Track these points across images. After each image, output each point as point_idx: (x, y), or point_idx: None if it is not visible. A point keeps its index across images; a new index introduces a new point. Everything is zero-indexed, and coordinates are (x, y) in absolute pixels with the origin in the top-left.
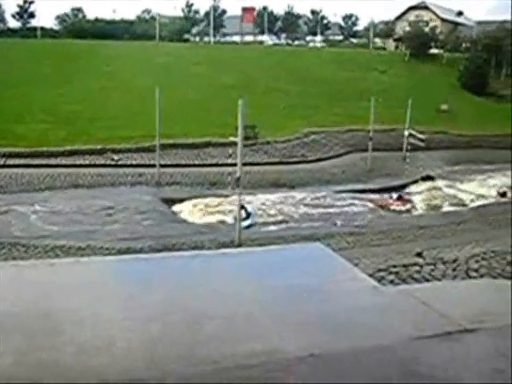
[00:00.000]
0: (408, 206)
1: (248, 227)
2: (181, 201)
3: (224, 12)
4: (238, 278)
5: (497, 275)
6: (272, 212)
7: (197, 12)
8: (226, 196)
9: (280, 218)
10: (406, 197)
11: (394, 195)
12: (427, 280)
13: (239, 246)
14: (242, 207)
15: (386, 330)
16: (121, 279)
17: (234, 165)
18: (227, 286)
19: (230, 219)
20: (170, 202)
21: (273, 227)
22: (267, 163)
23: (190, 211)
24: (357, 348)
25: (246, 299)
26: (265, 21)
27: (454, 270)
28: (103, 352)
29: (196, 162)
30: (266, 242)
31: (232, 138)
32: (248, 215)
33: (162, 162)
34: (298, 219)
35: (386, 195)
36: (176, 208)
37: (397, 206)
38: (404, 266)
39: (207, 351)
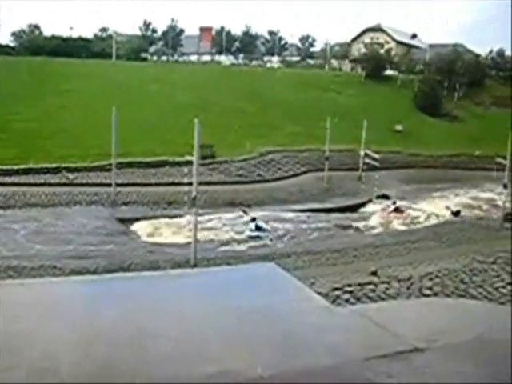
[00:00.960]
0: (407, 218)
1: (255, 237)
2: (137, 220)
3: (182, 31)
4: (191, 299)
5: (450, 293)
6: (227, 231)
7: (154, 31)
8: (182, 216)
9: (237, 237)
10: (402, 208)
11: (392, 207)
12: (382, 299)
13: (195, 266)
14: (254, 220)
15: (338, 350)
16: (72, 300)
17: (191, 184)
18: (180, 307)
19: (185, 239)
20: (126, 221)
21: (228, 247)
22: (224, 182)
23: (146, 231)
24: (309, 369)
25: (199, 320)
26: (222, 41)
27: (408, 288)
28: (50, 373)
29: (152, 181)
30: (222, 261)
31: (188, 157)
32: (258, 228)
33: (119, 181)
34: (256, 238)
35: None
36: (132, 228)
37: (396, 220)
38: (359, 284)
39: (155, 372)
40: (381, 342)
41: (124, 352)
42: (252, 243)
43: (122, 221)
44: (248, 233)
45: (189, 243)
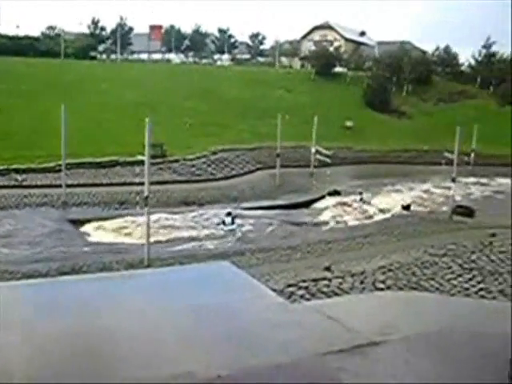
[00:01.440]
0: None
1: (232, 230)
2: (88, 221)
3: (131, 29)
4: (146, 300)
5: (402, 286)
6: (181, 229)
7: (103, 29)
8: (134, 215)
9: (190, 235)
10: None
11: (358, 198)
12: (336, 294)
13: (148, 266)
14: (229, 214)
15: (294, 346)
16: (23, 304)
17: (142, 184)
18: (135, 308)
19: (137, 239)
20: (78, 222)
21: (182, 246)
22: (176, 181)
23: (97, 232)
24: (266, 366)
25: (155, 320)
26: (172, 39)
27: (362, 282)
28: (2, 379)
29: (103, 182)
30: (176, 261)
31: (139, 157)
32: (233, 222)
33: (69, 182)
34: (209, 236)
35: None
36: (83, 229)
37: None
38: (313, 280)
39: (111, 375)
40: (337, 337)
41: (79, 354)
42: (206, 241)
43: (74, 222)
44: (222, 226)
45: (142, 244)
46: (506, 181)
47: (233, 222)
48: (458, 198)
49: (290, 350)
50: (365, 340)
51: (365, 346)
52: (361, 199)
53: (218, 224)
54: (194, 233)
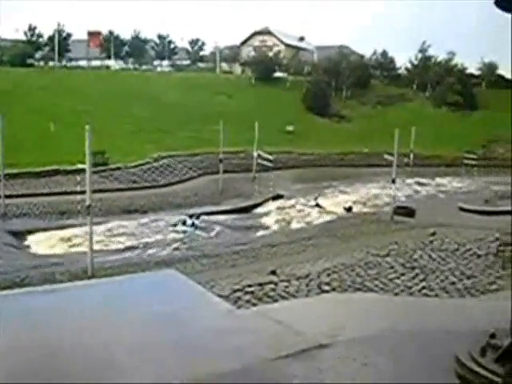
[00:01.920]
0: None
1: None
2: (29, 233)
3: (69, 36)
4: (91, 311)
5: (347, 287)
6: (125, 238)
7: (40, 36)
8: (76, 226)
9: (134, 243)
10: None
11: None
12: (283, 297)
13: (92, 276)
14: (191, 216)
15: (243, 352)
16: None
17: (84, 192)
18: (80, 320)
19: (81, 249)
20: (18, 234)
21: (127, 254)
22: (118, 189)
23: (39, 243)
24: (216, 373)
25: (101, 332)
26: (111, 45)
27: (308, 285)
28: None
29: (44, 191)
30: (120, 270)
31: (80, 165)
32: (193, 224)
33: (8, 193)
34: (153, 244)
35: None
36: (25, 241)
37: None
38: (259, 284)
39: None
40: (285, 341)
41: (25, 370)
42: (149, 250)
43: (14, 234)
44: (183, 227)
45: (85, 253)
46: (444, 180)
47: (193, 225)
48: (399, 198)
49: (240, 357)
50: (314, 343)
51: (314, 349)
52: (317, 204)
53: (175, 225)
54: (136, 241)
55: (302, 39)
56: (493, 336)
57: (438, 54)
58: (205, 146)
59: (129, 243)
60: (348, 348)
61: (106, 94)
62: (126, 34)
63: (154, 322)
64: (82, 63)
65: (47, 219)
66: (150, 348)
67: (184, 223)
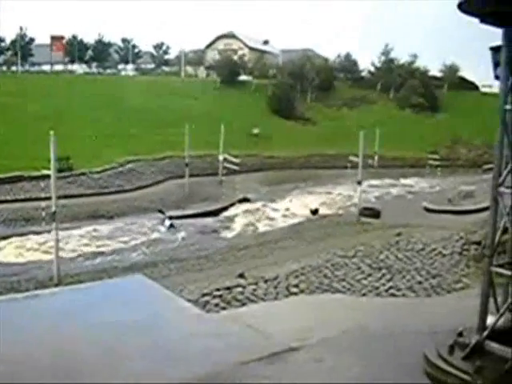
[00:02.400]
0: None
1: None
2: None
3: (32, 40)
4: (59, 319)
5: (315, 288)
6: (91, 244)
7: (2, 40)
8: (41, 232)
9: (101, 249)
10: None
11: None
12: (251, 300)
13: (58, 283)
14: (170, 218)
15: (214, 356)
16: None
17: (49, 198)
18: (48, 329)
19: (46, 256)
20: None
21: (93, 260)
22: (84, 195)
23: (4, 250)
24: (188, 377)
25: (71, 339)
26: (75, 49)
27: (276, 287)
28: None
29: (8, 198)
30: (87, 277)
31: (45, 171)
32: (172, 226)
33: None
34: (119, 250)
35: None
36: None
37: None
38: (227, 288)
39: None
40: (256, 344)
41: None
42: (116, 256)
43: None
44: (163, 228)
45: (51, 260)
46: (409, 181)
47: (171, 226)
48: (365, 199)
49: (212, 361)
50: (284, 346)
51: (285, 352)
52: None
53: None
54: (103, 247)
55: (266, 43)
56: (460, 334)
57: (401, 56)
58: (171, 149)
59: (96, 249)
60: (318, 350)
61: (70, 98)
62: (89, 38)
63: (125, 327)
64: (46, 68)
65: (12, 226)
66: (123, 353)
67: (163, 223)
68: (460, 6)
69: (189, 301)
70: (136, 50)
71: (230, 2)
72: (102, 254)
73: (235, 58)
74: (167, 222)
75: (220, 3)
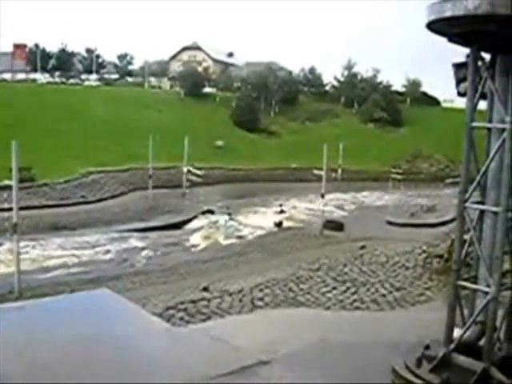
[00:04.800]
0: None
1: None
2: None
3: None
4: (22, 334)
5: (280, 302)
6: (53, 256)
7: None
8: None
9: (63, 261)
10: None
11: (278, 209)
12: (216, 313)
13: (19, 296)
14: (229, 214)
15: (184, 371)
16: None
17: (10, 209)
18: (13, 343)
19: (5, 269)
20: None
21: (54, 272)
22: (46, 206)
23: None
24: None
25: (35, 355)
26: (38, 58)
27: (241, 300)
28: None
29: None
30: (49, 289)
31: (7, 182)
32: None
33: None
34: (82, 262)
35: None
36: None
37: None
38: (192, 301)
39: None
40: (225, 358)
41: None
42: (79, 268)
43: None
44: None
45: (11, 273)
46: (371, 194)
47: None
48: (328, 212)
49: (182, 375)
50: (254, 360)
51: (255, 365)
52: (281, 211)
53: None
54: (66, 258)
55: (231, 55)
56: (427, 347)
57: (364, 71)
58: (134, 161)
59: (58, 261)
60: (287, 363)
61: (33, 107)
62: (52, 47)
63: (91, 342)
64: (7, 76)
65: None
66: (91, 368)
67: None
68: (429, 26)
69: (153, 314)
70: (100, 60)
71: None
72: (63, 266)
73: (199, 69)
74: (226, 217)
75: (185, 14)
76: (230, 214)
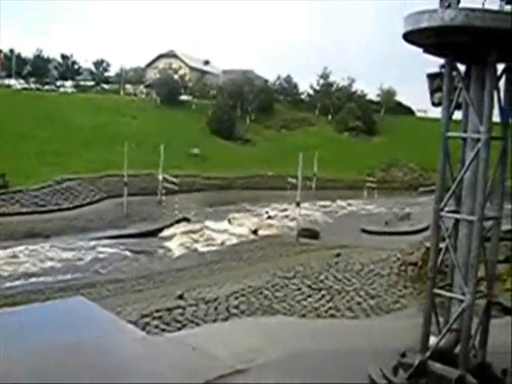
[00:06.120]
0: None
1: None
2: None
3: None
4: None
5: (255, 310)
6: (26, 263)
7: None
8: None
9: (36, 269)
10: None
11: (265, 215)
12: (191, 321)
13: None
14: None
15: (160, 380)
16: None
17: None
18: None
19: None
20: None
21: (27, 280)
22: (20, 213)
23: None
24: None
25: (10, 364)
26: (13, 63)
27: (216, 308)
28: None
29: None
30: (23, 298)
31: None
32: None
33: None
34: (56, 270)
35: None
36: None
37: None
38: (167, 309)
39: None
40: (202, 367)
41: None
42: (52, 276)
43: None
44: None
45: None
46: (346, 203)
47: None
48: (304, 221)
49: None
50: (230, 369)
51: (231, 374)
52: (269, 217)
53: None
54: (39, 265)
55: (207, 63)
56: (403, 355)
57: (339, 80)
58: (109, 168)
59: (32, 268)
60: (262, 372)
61: (6, 113)
62: (27, 53)
63: (66, 351)
64: None
65: None
66: (62, 378)
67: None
68: (405, 37)
69: (128, 322)
70: (76, 67)
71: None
72: (36, 274)
73: (176, 77)
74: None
75: (162, 22)
76: (205, 222)
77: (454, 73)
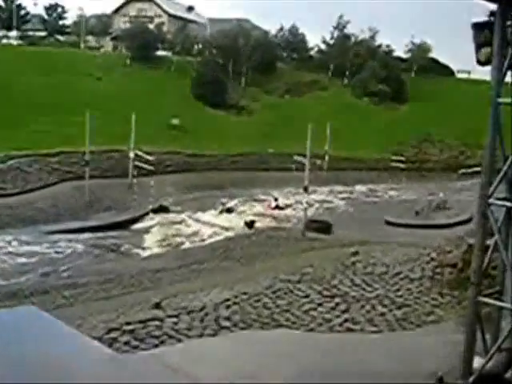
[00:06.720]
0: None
1: None
2: None
3: None
4: None
5: (252, 321)
6: None
7: None
8: None
9: None
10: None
11: (273, 203)
12: (171, 336)
13: None
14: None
15: None
16: None
17: None
18: None
19: None
20: None
21: None
22: None
23: None
24: None
25: None
26: None
27: (202, 320)
28: None
29: None
30: None
31: None
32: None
33: None
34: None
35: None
36: None
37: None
38: (141, 321)
39: None
40: None
41: None
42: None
43: None
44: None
45: None
46: (366, 188)
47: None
48: (312, 210)
49: None
50: None
51: None
52: (276, 206)
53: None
54: None
55: (190, 9)
56: (441, 380)
57: (359, 32)
58: (66, 143)
59: None
60: None
61: None
62: None
63: (19, 372)
64: None
65: None
66: None
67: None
68: None
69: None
70: (22, 13)
71: None
72: None
73: (151, 27)
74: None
75: None
76: (187, 211)
77: (509, 22)
